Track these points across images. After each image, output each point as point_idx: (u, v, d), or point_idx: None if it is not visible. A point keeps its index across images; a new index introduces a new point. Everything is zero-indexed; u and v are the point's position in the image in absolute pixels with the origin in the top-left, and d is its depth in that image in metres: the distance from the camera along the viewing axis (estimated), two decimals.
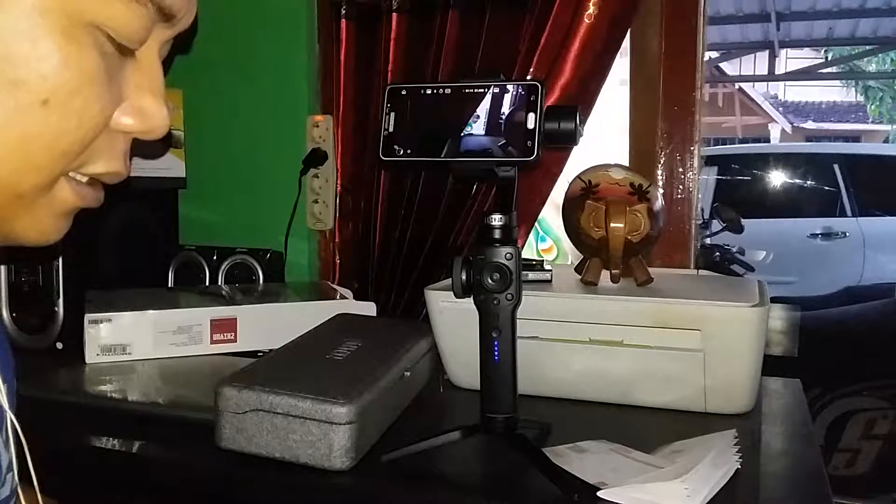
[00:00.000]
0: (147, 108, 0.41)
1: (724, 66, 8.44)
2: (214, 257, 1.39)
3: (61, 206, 0.41)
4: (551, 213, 2.02)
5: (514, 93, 0.74)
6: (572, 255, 2.03)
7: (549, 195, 1.26)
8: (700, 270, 1.20)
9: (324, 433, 0.72)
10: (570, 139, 0.75)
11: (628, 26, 1.21)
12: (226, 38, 1.43)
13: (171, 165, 1.36)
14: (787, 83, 9.78)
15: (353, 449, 0.73)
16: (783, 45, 6.93)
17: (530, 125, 0.73)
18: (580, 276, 1.04)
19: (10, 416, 0.50)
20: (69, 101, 0.37)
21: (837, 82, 9.60)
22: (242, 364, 0.87)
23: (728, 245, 2.93)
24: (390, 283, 1.33)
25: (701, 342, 0.88)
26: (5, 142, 0.36)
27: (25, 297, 1.16)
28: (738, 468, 0.72)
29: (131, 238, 1.33)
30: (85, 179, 0.42)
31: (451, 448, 0.77)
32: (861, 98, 9.61)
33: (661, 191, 1.22)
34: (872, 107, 9.40)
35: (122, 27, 0.38)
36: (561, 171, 1.24)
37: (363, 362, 0.85)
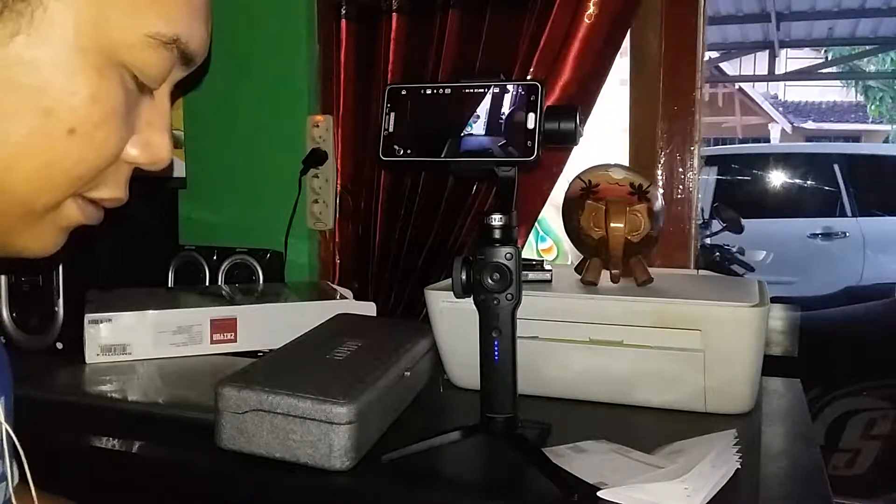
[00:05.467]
0: (154, 142, 0.45)
1: (724, 66, 8.44)
2: (214, 257, 1.39)
3: (66, 222, 0.44)
4: (551, 213, 2.03)
5: (514, 93, 0.74)
6: (572, 255, 2.03)
7: (549, 195, 1.26)
8: (700, 270, 1.20)
9: (324, 433, 0.72)
10: (570, 139, 0.75)
11: (628, 26, 1.21)
12: (226, 38, 1.43)
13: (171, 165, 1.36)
14: (787, 83, 9.78)
15: (353, 449, 0.73)
16: (783, 45, 6.94)
17: (530, 125, 0.73)
18: (580, 276, 1.03)
19: (6, 427, 0.51)
20: (93, 132, 0.40)
21: (837, 82, 9.60)
22: (242, 364, 0.87)
23: (728, 245, 2.93)
24: (390, 283, 1.33)
25: (701, 342, 0.88)
26: (31, 164, 0.39)
27: (25, 297, 1.16)
28: (738, 468, 0.72)
29: (131, 238, 1.33)
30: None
31: (451, 448, 0.77)
32: (861, 98, 9.61)
33: (661, 191, 1.22)
34: (872, 107, 9.39)
35: (149, 69, 0.41)
36: (561, 171, 1.24)
37: (363, 362, 0.85)
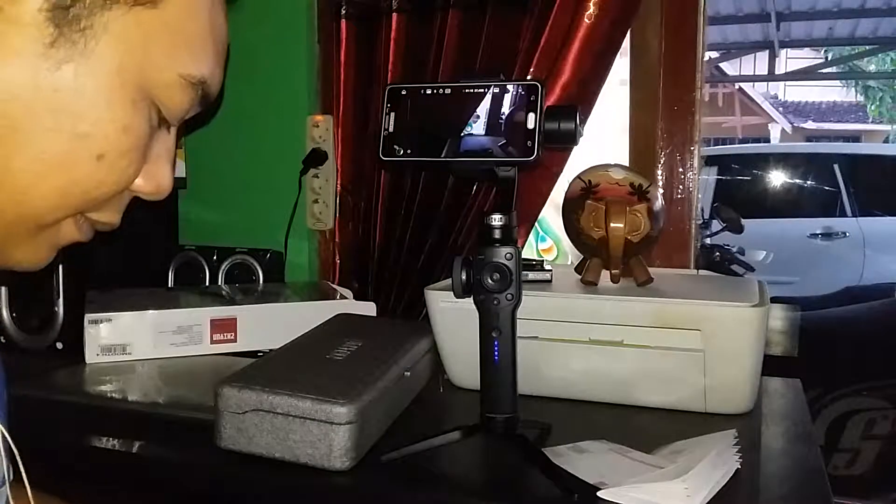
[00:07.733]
0: (160, 173, 0.47)
1: (724, 66, 8.44)
2: (214, 257, 1.39)
3: (62, 239, 0.46)
4: (551, 213, 2.02)
5: (514, 93, 0.74)
6: (572, 255, 2.03)
7: (549, 195, 1.26)
8: (700, 270, 1.20)
9: (324, 433, 0.72)
10: (570, 139, 0.75)
11: (628, 26, 1.21)
12: None
13: None
14: (787, 83, 9.78)
15: (353, 449, 0.73)
16: (783, 45, 6.93)
17: (530, 125, 0.73)
18: (580, 276, 1.03)
19: (2, 430, 0.51)
20: (118, 160, 0.42)
21: (837, 82, 9.59)
22: (242, 364, 0.87)
23: (728, 245, 2.93)
24: (390, 283, 1.33)
25: (701, 342, 0.88)
26: (55, 182, 0.40)
27: (25, 297, 1.16)
28: (738, 468, 0.72)
29: (131, 238, 1.32)
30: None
31: (451, 448, 0.77)
32: (861, 98, 9.61)
33: (661, 191, 1.22)
34: (872, 107, 9.39)
35: (175, 107, 0.44)
36: (561, 171, 1.24)
37: (363, 362, 0.85)
